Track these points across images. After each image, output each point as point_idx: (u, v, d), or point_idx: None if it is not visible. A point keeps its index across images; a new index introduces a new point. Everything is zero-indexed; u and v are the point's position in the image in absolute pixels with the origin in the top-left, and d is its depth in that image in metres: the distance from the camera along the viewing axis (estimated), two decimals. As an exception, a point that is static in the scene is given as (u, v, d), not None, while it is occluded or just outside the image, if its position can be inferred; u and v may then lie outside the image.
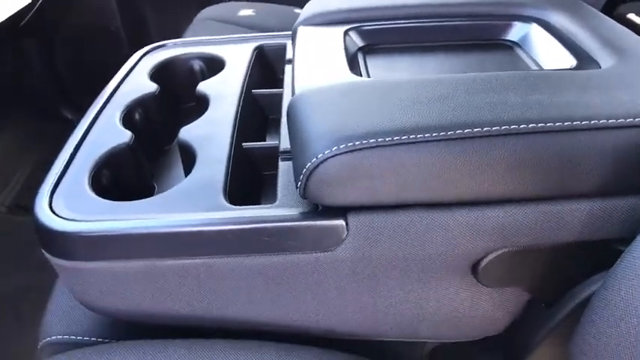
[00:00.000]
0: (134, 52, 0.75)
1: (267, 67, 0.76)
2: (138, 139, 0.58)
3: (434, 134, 0.40)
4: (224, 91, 0.64)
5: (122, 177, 0.56)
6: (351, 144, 0.40)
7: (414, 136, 0.40)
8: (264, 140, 0.66)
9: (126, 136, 0.57)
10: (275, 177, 0.52)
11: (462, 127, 0.40)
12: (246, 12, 1.39)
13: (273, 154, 0.55)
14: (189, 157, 0.54)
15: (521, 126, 0.41)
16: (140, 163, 0.59)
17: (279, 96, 0.65)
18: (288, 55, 0.72)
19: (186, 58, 0.75)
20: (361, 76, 0.56)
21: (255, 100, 0.67)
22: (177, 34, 1.33)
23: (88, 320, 0.54)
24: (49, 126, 1.56)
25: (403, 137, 0.40)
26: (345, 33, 0.63)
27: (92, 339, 0.54)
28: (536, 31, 0.62)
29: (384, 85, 0.48)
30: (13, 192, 1.37)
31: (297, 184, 0.42)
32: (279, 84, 0.74)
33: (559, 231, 0.45)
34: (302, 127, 0.44)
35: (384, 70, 0.59)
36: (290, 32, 0.79)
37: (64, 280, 0.47)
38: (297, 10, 1.42)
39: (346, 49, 0.59)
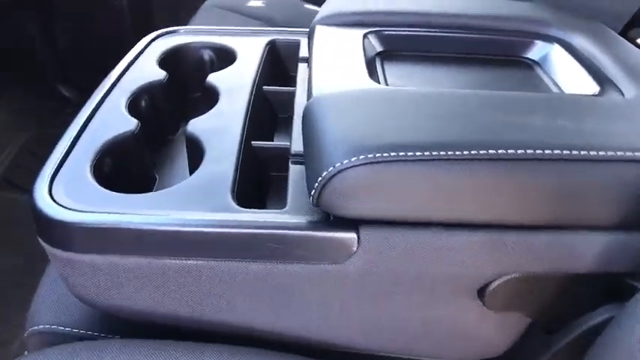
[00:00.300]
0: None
1: (279, 64, 0.75)
2: (143, 128, 0.56)
3: (457, 152, 0.39)
4: (235, 85, 0.62)
5: (124, 166, 0.54)
6: (371, 156, 0.38)
7: (436, 153, 0.39)
8: (273, 139, 0.64)
9: (132, 124, 0.55)
10: (283, 179, 0.50)
11: (485, 148, 0.39)
12: (255, 2, 1.37)
13: (283, 155, 0.54)
14: (196, 151, 0.52)
15: (546, 152, 0.40)
16: (144, 154, 0.57)
17: (291, 94, 0.63)
18: (302, 53, 0.71)
19: (197, 47, 0.73)
20: (379, 82, 0.55)
21: (266, 97, 0.66)
22: (184, 18, 1.31)
23: (78, 312, 0.52)
24: (46, 103, 1.52)
25: (425, 153, 0.39)
26: (365, 36, 0.61)
27: (82, 331, 0.52)
28: (557, 52, 0.61)
29: (406, 95, 0.46)
30: (2, 167, 1.34)
31: (310, 192, 0.41)
32: (291, 81, 0.73)
33: (571, 260, 0.45)
34: (319, 133, 0.43)
35: (401, 78, 0.57)
36: (303, 29, 0.77)
37: (58, 270, 0.45)
38: (307, 5, 1.40)
39: (365, 53, 0.58)
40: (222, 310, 0.46)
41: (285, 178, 0.51)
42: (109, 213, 0.42)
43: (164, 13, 1.55)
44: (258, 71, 0.66)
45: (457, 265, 0.44)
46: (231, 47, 0.71)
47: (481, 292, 0.46)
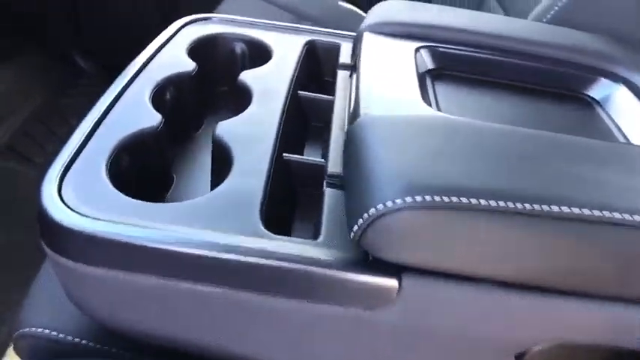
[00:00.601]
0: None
1: (316, 66, 0.70)
2: (166, 124, 0.51)
3: (529, 207, 0.34)
4: (269, 87, 0.57)
5: (143, 165, 0.49)
6: (429, 198, 0.33)
7: (503, 204, 0.34)
8: (303, 150, 0.59)
9: (155, 118, 0.50)
10: (314, 198, 0.46)
11: (559, 204, 0.34)
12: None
13: (317, 172, 0.49)
14: (223, 159, 0.48)
15: (626, 217, 0.35)
16: (164, 151, 0.52)
17: (329, 103, 0.59)
18: (342, 59, 0.66)
19: (230, 39, 0.68)
20: (430, 104, 0.50)
21: (300, 103, 0.61)
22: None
23: (73, 319, 0.48)
24: (58, 69, 1.47)
25: (491, 202, 0.34)
26: (417, 50, 0.56)
27: (75, 339, 0.47)
28: (623, 94, 0.56)
29: (467, 128, 0.41)
30: (7, 134, 1.29)
31: (350, 226, 0.36)
32: (327, 87, 0.68)
33: (622, 335, 0.40)
34: (368, 161, 0.38)
35: (454, 103, 0.52)
36: (344, 32, 0.72)
37: (59, 277, 0.41)
38: (342, 3, 1.34)
39: (417, 69, 0.53)
40: (232, 340, 0.42)
41: (317, 198, 0.46)
42: (125, 224, 0.37)
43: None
44: (294, 73, 0.61)
45: (501, 326, 0.39)
46: (266, 43, 0.66)
47: (520, 357, 0.42)
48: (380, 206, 0.34)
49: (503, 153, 0.38)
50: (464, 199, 0.33)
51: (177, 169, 0.57)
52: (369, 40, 0.58)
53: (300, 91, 0.60)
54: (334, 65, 0.67)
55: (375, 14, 0.62)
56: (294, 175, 0.51)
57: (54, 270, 0.41)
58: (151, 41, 0.62)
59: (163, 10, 1.36)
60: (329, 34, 0.71)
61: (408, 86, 0.49)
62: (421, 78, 0.54)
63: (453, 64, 0.57)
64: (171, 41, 0.63)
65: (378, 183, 0.35)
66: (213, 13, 1.18)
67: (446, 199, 0.34)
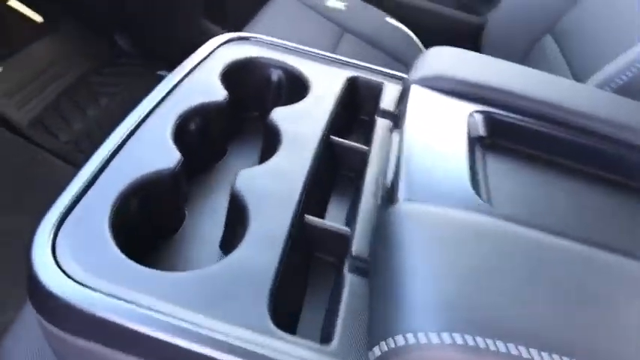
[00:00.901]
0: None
1: (355, 106, 0.64)
2: (185, 161, 0.47)
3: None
4: (301, 131, 0.52)
5: (153, 207, 0.45)
6: (471, 341, 0.28)
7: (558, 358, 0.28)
8: (329, 199, 0.54)
9: (174, 157, 0.45)
10: (328, 266, 0.41)
11: None
12: (335, 3, 1.25)
13: (340, 242, 0.44)
14: (239, 217, 0.43)
15: None
16: (179, 192, 0.48)
17: (363, 156, 0.53)
18: (383, 104, 0.60)
19: (267, 64, 0.63)
20: (479, 182, 0.44)
21: (332, 149, 0.56)
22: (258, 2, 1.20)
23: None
24: (97, 46, 1.45)
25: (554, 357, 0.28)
26: (470, 115, 0.51)
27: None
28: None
29: (520, 241, 0.36)
30: (39, 106, 1.28)
31: (371, 344, 0.31)
32: (363, 127, 0.63)
33: None
34: (403, 268, 0.33)
35: (505, 183, 0.47)
36: (390, 71, 0.66)
37: (51, 344, 0.37)
38: (389, 19, 1.28)
39: (469, 134, 0.48)
40: None
41: (336, 273, 0.41)
42: (126, 302, 0.33)
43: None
44: (330, 117, 0.56)
45: None
46: (305, 75, 0.61)
47: None
48: (410, 337, 0.29)
49: (560, 286, 0.32)
50: (512, 349, 0.28)
51: (192, 205, 0.52)
52: (417, 94, 0.52)
53: (333, 137, 0.55)
54: (374, 105, 0.61)
55: (427, 64, 0.57)
56: (313, 241, 0.46)
57: (42, 332, 0.36)
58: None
59: (210, 6, 1.32)
60: (372, 71, 0.65)
61: (456, 160, 0.44)
62: (472, 145, 0.49)
63: (508, 135, 0.52)
64: (205, 63, 0.58)
65: (411, 304, 0.30)
66: (258, 13, 1.14)
67: (489, 342, 0.28)
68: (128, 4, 1.40)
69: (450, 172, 0.43)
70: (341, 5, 1.24)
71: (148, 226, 0.45)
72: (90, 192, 0.40)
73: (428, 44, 1.30)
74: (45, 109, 1.30)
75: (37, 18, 1.45)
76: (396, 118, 0.55)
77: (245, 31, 1.10)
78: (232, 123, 0.61)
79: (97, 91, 1.39)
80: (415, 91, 0.53)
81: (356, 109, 0.65)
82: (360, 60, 0.66)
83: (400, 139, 0.47)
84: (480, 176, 0.46)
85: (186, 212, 0.51)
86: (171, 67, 0.57)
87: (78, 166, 0.41)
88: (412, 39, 1.29)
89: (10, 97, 1.30)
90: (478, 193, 0.42)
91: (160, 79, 0.54)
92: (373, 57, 1.16)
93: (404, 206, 0.37)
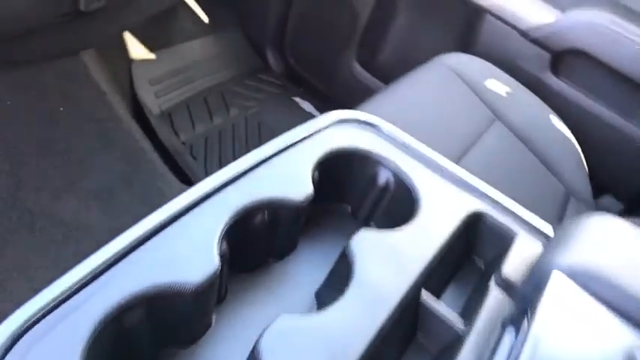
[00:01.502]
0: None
1: (466, 250, 0.50)
2: (222, 268, 0.37)
3: None
4: (382, 278, 0.39)
5: (171, 322, 0.36)
6: None
7: None
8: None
9: (211, 266, 0.36)
10: None
11: None
12: (495, 85, 1.10)
13: None
14: None
15: None
16: (206, 307, 0.38)
17: (459, 337, 0.39)
18: (508, 266, 0.44)
19: (376, 161, 0.51)
20: None
21: (417, 310, 0.42)
22: (415, 58, 1.09)
23: None
24: (247, 57, 1.47)
25: None
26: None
27: None
28: None
29: None
30: (174, 100, 1.33)
31: None
32: (464, 281, 0.48)
33: None
34: None
35: None
36: (530, 216, 0.51)
37: None
38: (553, 118, 1.09)
39: None
40: None
41: None
42: None
43: (396, 37, 1.35)
44: (430, 264, 0.42)
45: None
46: (417, 191, 0.48)
47: None
48: None
49: None
50: None
51: (219, 311, 0.42)
52: (560, 288, 0.37)
53: (424, 295, 0.42)
54: (495, 258, 0.47)
55: (580, 242, 0.40)
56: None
57: None
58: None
59: (365, 45, 1.25)
60: (506, 210, 0.50)
61: None
62: None
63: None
64: (302, 144, 0.49)
65: None
66: (409, 72, 1.02)
67: None
68: (290, 26, 1.39)
69: None
70: (502, 89, 1.08)
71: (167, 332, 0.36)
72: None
73: (592, 159, 1.08)
74: (178, 104, 1.34)
75: (205, 18, 1.50)
76: (520, 300, 0.40)
77: (390, 88, 1.00)
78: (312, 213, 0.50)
79: (230, 101, 1.40)
80: (557, 279, 0.37)
81: (468, 253, 0.50)
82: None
83: (523, 342, 0.33)
84: None
85: (213, 320, 0.41)
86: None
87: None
88: (574, 147, 1.08)
89: (153, 85, 1.35)
90: None
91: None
92: (521, 156, 0.98)
93: None
